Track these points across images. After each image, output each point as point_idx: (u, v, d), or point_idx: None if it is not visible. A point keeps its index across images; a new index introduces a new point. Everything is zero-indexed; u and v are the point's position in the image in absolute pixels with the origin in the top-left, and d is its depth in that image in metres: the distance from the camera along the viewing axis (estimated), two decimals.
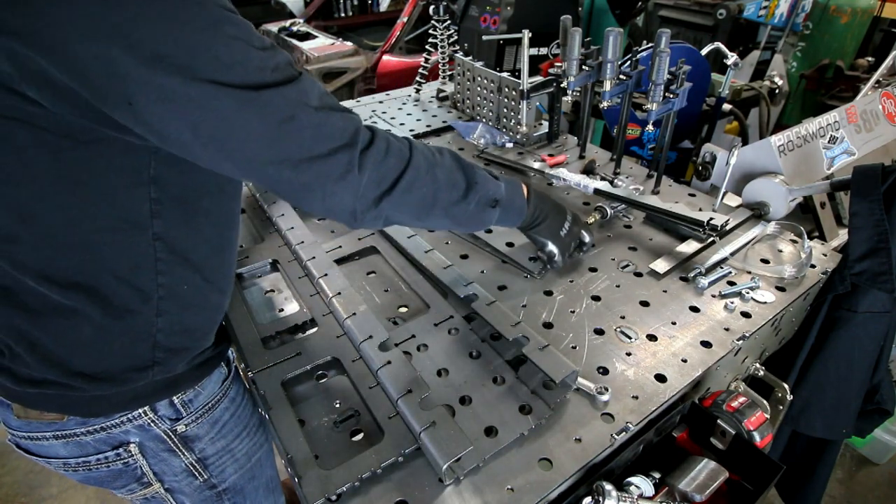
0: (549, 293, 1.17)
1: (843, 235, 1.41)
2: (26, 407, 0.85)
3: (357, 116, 0.75)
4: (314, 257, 1.20)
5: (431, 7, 2.05)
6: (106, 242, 0.74)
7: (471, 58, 1.87)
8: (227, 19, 0.62)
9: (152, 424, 0.90)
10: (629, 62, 1.38)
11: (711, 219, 1.20)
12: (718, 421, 0.93)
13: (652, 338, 1.05)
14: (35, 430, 0.86)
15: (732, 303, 1.12)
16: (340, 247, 1.29)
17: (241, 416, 1.03)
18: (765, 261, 1.25)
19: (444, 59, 2.16)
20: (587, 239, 1.20)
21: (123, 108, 0.60)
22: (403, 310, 1.13)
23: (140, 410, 0.87)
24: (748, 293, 1.14)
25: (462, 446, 0.78)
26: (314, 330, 1.07)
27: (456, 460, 0.78)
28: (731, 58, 1.66)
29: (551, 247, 1.13)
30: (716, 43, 1.82)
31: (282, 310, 1.13)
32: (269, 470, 1.16)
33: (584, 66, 1.37)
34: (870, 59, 2.76)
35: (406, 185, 0.78)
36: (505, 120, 1.78)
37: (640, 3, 3.07)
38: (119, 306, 0.78)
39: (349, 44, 3.87)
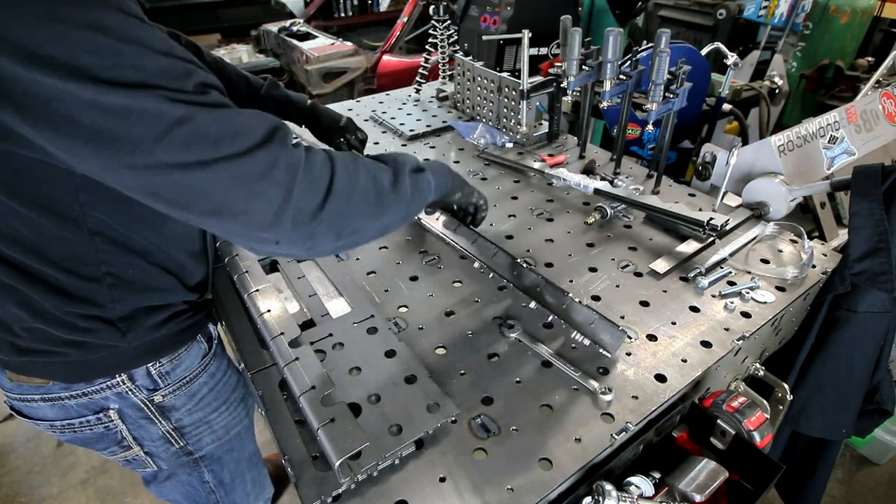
0: None
1: (843, 235, 1.41)
2: (17, 373, 0.93)
3: (274, 119, 0.70)
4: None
5: (431, 7, 2.05)
6: (51, 240, 0.79)
7: (471, 58, 1.87)
8: (120, 22, 0.60)
9: (130, 393, 0.97)
10: (629, 62, 1.38)
11: (711, 219, 1.20)
12: (718, 421, 0.93)
13: (652, 338, 1.05)
14: (25, 393, 0.94)
15: (732, 303, 1.12)
16: None
17: (220, 392, 1.10)
18: (765, 261, 1.25)
19: (444, 59, 2.16)
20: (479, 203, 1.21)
21: (9, 111, 0.58)
22: (404, 310, 1.13)
23: (118, 378, 0.95)
24: (748, 293, 1.14)
25: (359, 442, 0.77)
26: (313, 330, 1.06)
27: (352, 457, 0.76)
28: (731, 58, 1.66)
29: (476, 197, 1.18)
30: (716, 43, 1.82)
31: None
32: (250, 444, 1.25)
33: (584, 66, 1.37)
34: (870, 59, 2.76)
35: (346, 182, 0.72)
36: (505, 120, 1.78)
37: (640, 3, 3.07)
38: (73, 294, 0.84)
39: (349, 44, 3.88)
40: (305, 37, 4.14)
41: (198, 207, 0.66)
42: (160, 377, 0.99)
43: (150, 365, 0.97)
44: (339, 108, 2.12)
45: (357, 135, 1.52)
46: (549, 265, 1.24)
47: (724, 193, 1.38)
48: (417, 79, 2.21)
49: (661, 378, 0.96)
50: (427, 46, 2.13)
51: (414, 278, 1.22)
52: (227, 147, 0.63)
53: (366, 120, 2.01)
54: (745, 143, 1.69)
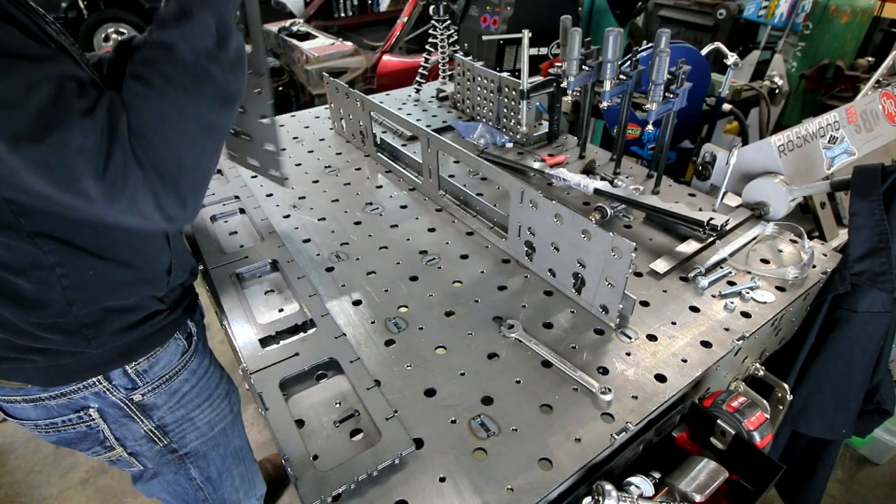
0: (548, 293, 1.16)
1: (843, 235, 1.41)
2: None
3: (48, 69, 0.63)
4: None
5: (431, 7, 2.05)
6: None
7: (471, 58, 1.87)
8: None
9: (108, 393, 0.96)
10: (629, 62, 1.38)
11: (711, 219, 1.20)
12: (718, 421, 0.93)
13: (652, 338, 1.05)
14: (7, 395, 0.94)
15: (732, 303, 1.12)
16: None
17: (202, 388, 1.09)
18: (765, 261, 1.25)
19: (444, 59, 2.16)
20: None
21: None
22: (404, 310, 1.13)
23: (94, 379, 0.93)
24: (748, 293, 1.14)
25: None
26: (313, 330, 1.06)
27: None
28: (731, 58, 1.66)
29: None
30: (716, 43, 1.82)
31: (281, 310, 1.13)
32: (236, 440, 1.23)
33: (584, 66, 1.37)
34: (870, 59, 2.76)
35: (153, 125, 0.66)
36: (505, 120, 1.78)
37: (640, 3, 3.07)
38: (29, 301, 0.82)
39: (349, 44, 3.87)
40: (305, 37, 4.14)
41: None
42: (138, 376, 0.97)
43: (125, 365, 0.95)
44: None
45: None
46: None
47: (724, 193, 1.38)
48: (417, 79, 2.21)
49: (661, 378, 0.96)
50: (427, 46, 2.13)
51: (414, 278, 1.22)
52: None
53: None
54: (745, 143, 1.69)
